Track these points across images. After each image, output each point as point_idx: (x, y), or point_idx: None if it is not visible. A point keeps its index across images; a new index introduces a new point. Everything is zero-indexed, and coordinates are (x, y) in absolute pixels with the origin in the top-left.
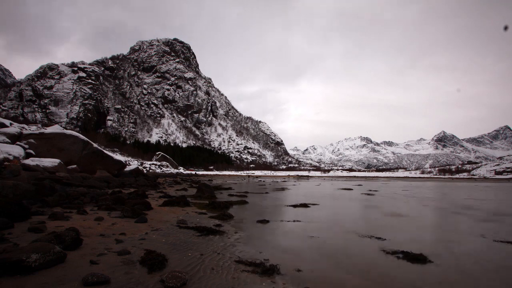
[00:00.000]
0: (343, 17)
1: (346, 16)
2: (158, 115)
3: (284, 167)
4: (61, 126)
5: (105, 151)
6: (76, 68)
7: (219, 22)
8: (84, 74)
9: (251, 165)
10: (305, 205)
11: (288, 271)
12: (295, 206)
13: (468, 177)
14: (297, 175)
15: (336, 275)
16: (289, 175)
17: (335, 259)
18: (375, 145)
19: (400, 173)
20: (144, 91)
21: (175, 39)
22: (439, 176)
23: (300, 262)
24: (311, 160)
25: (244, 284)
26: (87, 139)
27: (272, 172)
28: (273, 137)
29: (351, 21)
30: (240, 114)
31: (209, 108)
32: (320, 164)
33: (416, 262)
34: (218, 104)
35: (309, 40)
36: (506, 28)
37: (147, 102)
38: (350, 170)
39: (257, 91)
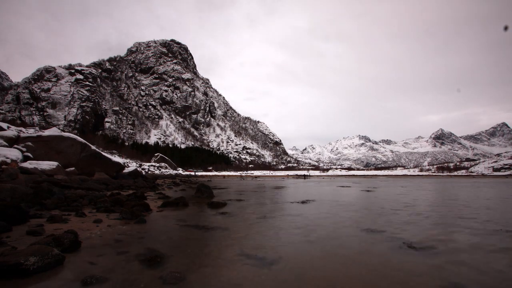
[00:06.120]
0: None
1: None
2: (156, 117)
3: (283, 166)
4: (59, 128)
5: (103, 153)
6: (73, 71)
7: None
8: (81, 76)
9: (250, 165)
10: (303, 202)
11: (288, 263)
12: (294, 203)
13: (466, 174)
14: (296, 175)
15: (334, 267)
16: (288, 174)
17: (335, 252)
18: (373, 143)
19: (399, 171)
20: (142, 93)
21: (172, 40)
22: (438, 174)
23: (300, 255)
24: (310, 159)
25: (244, 278)
26: (85, 141)
27: (271, 172)
28: (271, 137)
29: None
30: (239, 115)
31: (207, 108)
32: (319, 163)
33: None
34: (216, 105)
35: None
36: (506, 28)
37: (145, 103)
38: (349, 169)
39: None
